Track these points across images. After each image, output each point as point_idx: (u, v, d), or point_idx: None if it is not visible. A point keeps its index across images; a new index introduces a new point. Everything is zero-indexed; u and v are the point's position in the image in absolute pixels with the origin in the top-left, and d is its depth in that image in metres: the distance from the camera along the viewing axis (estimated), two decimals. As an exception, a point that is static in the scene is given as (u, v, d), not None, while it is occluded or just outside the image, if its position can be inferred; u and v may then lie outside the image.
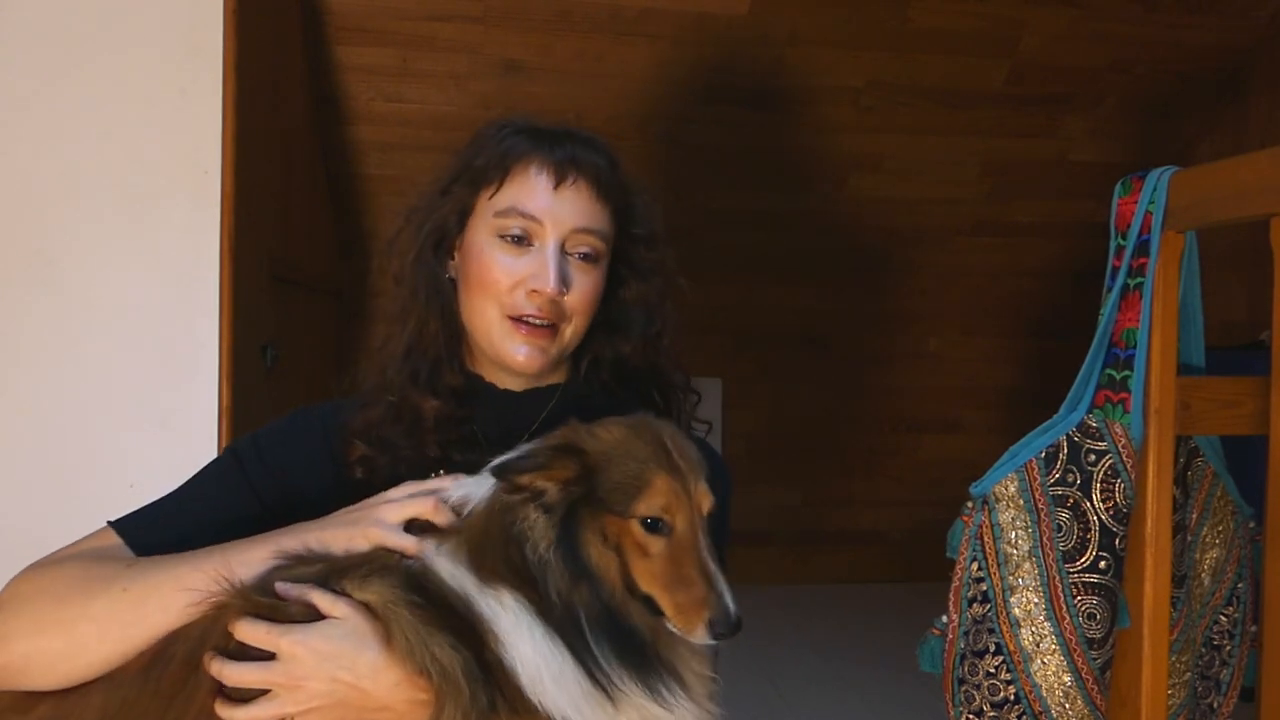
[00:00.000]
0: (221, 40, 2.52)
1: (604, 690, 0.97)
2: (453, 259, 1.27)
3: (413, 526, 1.07)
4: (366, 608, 1.00)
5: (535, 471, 1.01)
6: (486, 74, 3.52)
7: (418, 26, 3.38)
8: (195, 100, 2.51)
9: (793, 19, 3.51)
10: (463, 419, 1.22)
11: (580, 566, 0.99)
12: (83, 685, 1.04)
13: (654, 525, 1.01)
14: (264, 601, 1.01)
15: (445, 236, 1.25)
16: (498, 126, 1.26)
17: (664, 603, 1.00)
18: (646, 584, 1.00)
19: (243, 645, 0.99)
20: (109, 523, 1.23)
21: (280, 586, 1.02)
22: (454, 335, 1.26)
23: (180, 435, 2.50)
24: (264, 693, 0.99)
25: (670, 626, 1.00)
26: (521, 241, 1.20)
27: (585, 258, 1.22)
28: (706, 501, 1.04)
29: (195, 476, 1.29)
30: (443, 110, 3.61)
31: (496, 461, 1.03)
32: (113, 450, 2.49)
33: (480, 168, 1.23)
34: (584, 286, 1.21)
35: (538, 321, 1.20)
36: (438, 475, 1.15)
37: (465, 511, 1.05)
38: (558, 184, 1.20)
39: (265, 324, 2.84)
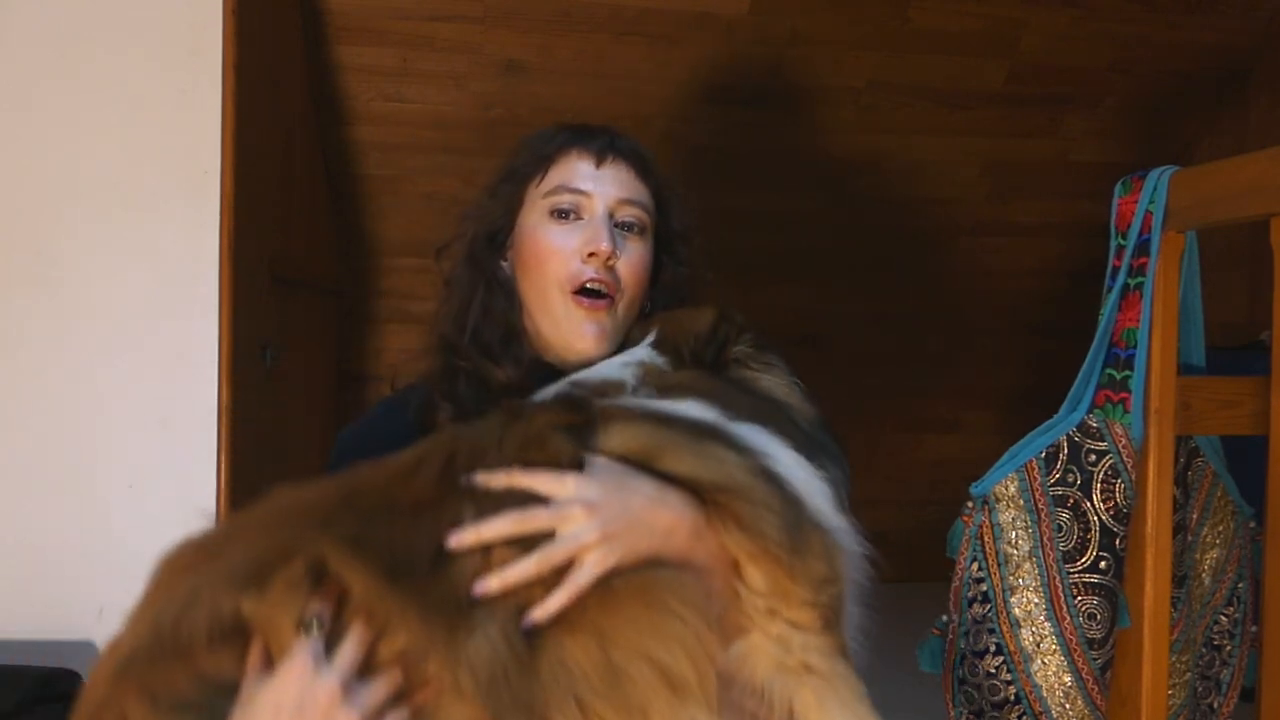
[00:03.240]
0: (221, 40, 2.51)
1: (840, 493, 1.07)
2: (505, 259, 1.33)
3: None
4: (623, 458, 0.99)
5: (729, 343, 1.17)
6: (486, 74, 3.52)
7: (418, 26, 3.37)
8: (195, 100, 2.51)
9: (793, 19, 3.51)
10: (529, 391, 1.20)
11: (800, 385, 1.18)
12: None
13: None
14: (534, 444, 0.97)
15: (497, 232, 1.32)
16: (537, 134, 1.35)
17: None
18: None
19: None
20: None
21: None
22: (516, 329, 1.31)
23: (180, 435, 2.50)
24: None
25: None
26: (570, 215, 1.27)
27: (630, 229, 1.28)
28: None
29: None
30: (443, 110, 3.61)
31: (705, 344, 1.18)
32: (113, 450, 2.49)
33: (523, 164, 1.32)
34: (633, 255, 1.27)
35: (598, 288, 1.24)
36: None
37: (607, 383, 1.10)
38: (599, 163, 1.28)
39: (265, 324, 2.84)
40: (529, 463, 0.95)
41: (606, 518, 0.92)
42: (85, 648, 2.42)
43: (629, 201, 1.28)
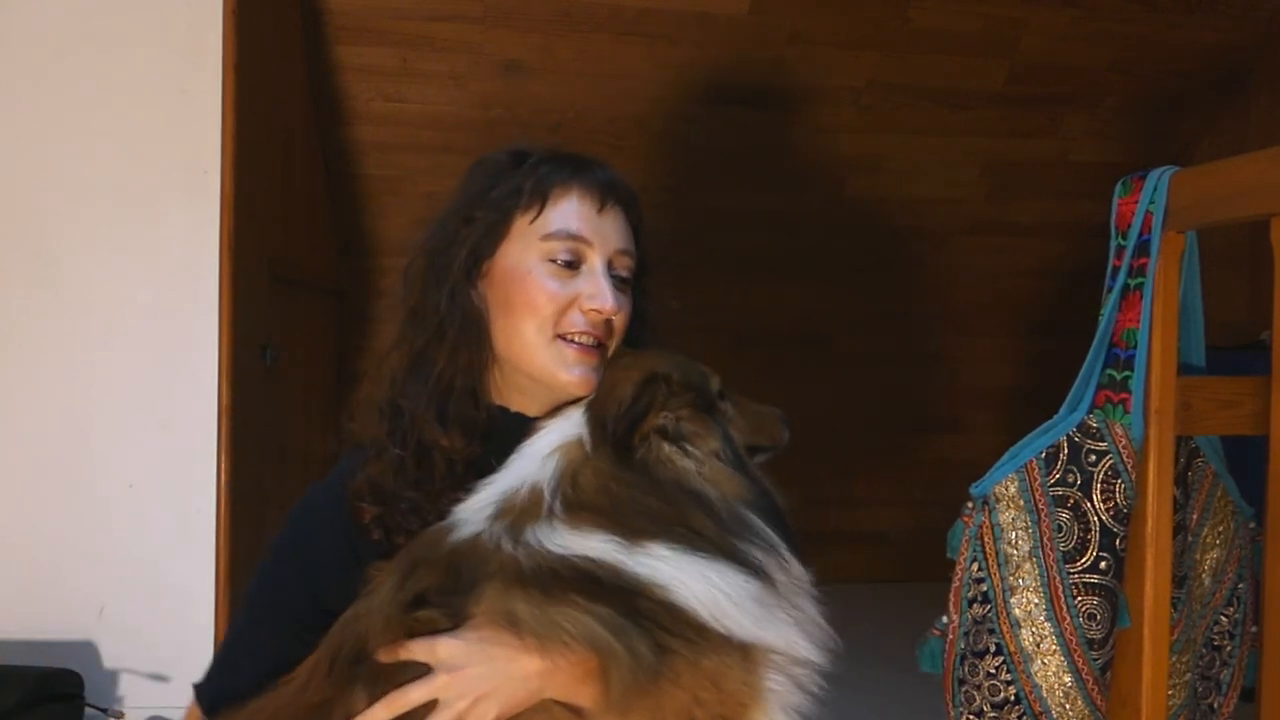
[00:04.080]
0: (221, 40, 2.52)
1: (770, 581, 1.04)
2: (475, 288, 1.24)
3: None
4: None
5: (649, 413, 1.09)
6: (486, 74, 3.52)
7: (418, 26, 3.38)
8: (195, 100, 2.52)
9: (793, 19, 3.51)
10: (481, 457, 1.19)
11: (739, 459, 1.12)
12: None
13: (725, 396, 1.19)
14: (409, 620, 1.03)
15: (478, 261, 1.24)
16: (510, 156, 1.27)
17: (760, 440, 1.22)
18: (749, 439, 1.19)
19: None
20: (194, 687, 1.25)
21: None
22: (484, 364, 1.24)
23: (180, 435, 2.50)
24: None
25: (765, 457, 1.22)
26: (572, 266, 1.21)
27: (623, 281, 1.25)
28: None
29: (242, 612, 1.27)
30: (443, 110, 3.61)
31: (585, 427, 1.11)
32: (113, 450, 2.49)
33: (509, 193, 1.23)
34: (626, 307, 1.24)
35: (588, 341, 1.20)
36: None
37: (530, 492, 1.07)
38: (601, 208, 1.22)
39: (265, 324, 2.85)
40: (411, 634, 1.02)
41: (474, 677, 0.97)
42: (85, 648, 2.42)
43: (626, 252, 1.24)
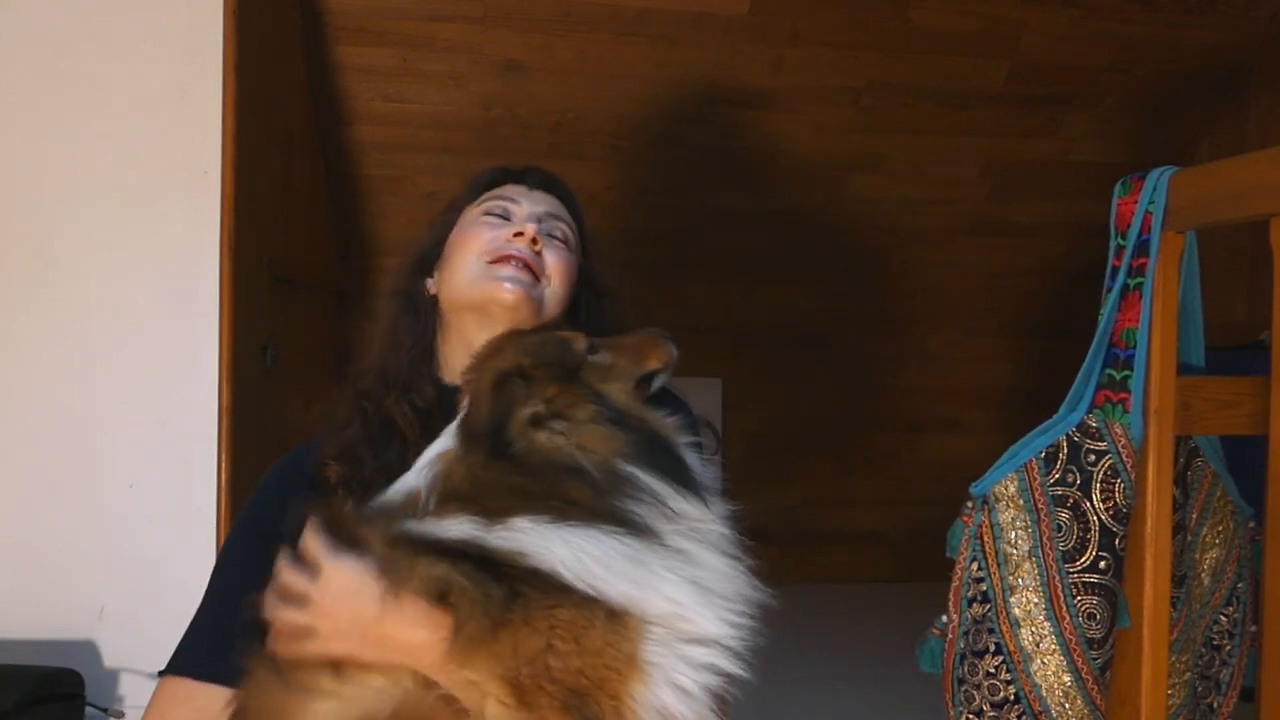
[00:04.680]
0: (221, 40, 2.52)
1: (654, 536, 1.02)
2: (430, 277, 1.38)
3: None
4: None
5: (513, 412, 1.08)
6: (486, 74, 3.52)
7: (418, 26, 3.38)
8: (195, 100, 2.52)
9: (793, 19, 3.51)
10: (431, 437, 1.22)
11: (616, 412, 1.10)
12: None
13: (595, 349, 1.18)
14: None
15: (426, 255, 1.40)
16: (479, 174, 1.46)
17: (650, 365, 1.19)
18: (637, 371, 1.18)
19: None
20: (159, 675, 1.27)
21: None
22: (428, 348, 1.36)
23: (180, 435, 2.50)
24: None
25: (664, 379, 1.21)
26: (503, 217, 1.34)
27: (557, 240, 1.34)
28: None
29: (213, 581, 1.32)
30: (443, 110, 3.61)
31: (456, 437, 1.12)
32: (113, 450, 2.49)
33: (461, 196, 1.42)
34: (558, 255, 1.33)
35: (517, 263, 1.29)
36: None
37: (406, 498, 1.08)
38: (530, 188, 1.39)
39: (265, 324, 2.85)
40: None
41: (328, 603, 1.01)
42: (85, 648, 2.42)
43: (556, 216, 1.37)
